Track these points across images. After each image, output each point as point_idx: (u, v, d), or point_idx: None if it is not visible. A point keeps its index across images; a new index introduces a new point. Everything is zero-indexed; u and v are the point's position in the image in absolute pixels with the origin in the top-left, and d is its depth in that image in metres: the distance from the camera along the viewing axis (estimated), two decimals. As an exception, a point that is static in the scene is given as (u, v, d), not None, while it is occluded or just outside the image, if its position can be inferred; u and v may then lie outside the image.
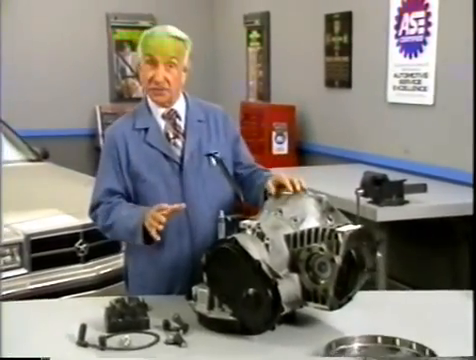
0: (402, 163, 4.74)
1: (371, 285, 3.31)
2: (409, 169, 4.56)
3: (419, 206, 3.75)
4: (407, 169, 4.57)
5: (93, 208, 2.36)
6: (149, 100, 2.38)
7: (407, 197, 3.71)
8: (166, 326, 1.97)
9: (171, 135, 2.36)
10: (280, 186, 2.14)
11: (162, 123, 2.36)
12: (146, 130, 2.34)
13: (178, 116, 2.38)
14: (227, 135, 2.43)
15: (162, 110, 2.37)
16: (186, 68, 2.35)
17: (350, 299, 1.96)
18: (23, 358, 1.78)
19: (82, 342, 1.88)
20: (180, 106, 2.39)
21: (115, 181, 2.32)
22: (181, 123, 2.38)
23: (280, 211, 2.02)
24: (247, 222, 1.99)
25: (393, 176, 3.80)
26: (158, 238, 2.13)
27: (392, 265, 4.02)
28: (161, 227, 2.12)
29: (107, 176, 2.34)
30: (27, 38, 7.22)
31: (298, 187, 2.10)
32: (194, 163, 2.32)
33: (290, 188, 2.10)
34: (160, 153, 2.32)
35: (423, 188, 3.76)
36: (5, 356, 1.76)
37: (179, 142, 2.35)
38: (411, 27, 4.72)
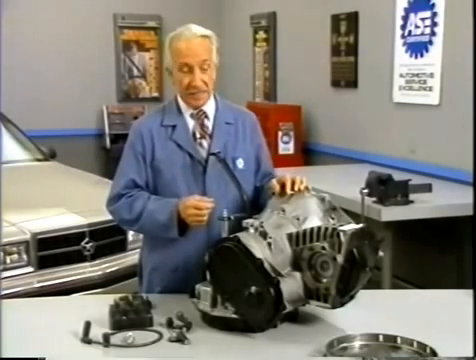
0: (407, 163, 4.73)
1: (376, 285, 3.33)
2: (414, 169, 4.56)
3: (424, 206, 3.75)
4: (412, 169, 4.57)
5: (112, 200, 2.33)
6: (180, 99, 2.37)
7: (412, 197, 3.71)
8: (169, 324, 1.99)
9: (198, 135, 2.34)
10: (284, 185, 2.15)
11: (190, 122, 2.35)
12: (174, 128, 2.33)
13: (207, 117, 2.36)
14: (253, 142, 2.43)
15: (191, 109, 2.35)
16: (216, 64, 2.34)
17: (352, 298, 1.97)
18: (23, 358, 1.79)
19: (86, 339, 1.91)
20: (210, 107, 2.37)
21: (137, 175, 2.31)
22: (209, 124, 2.36)
23: (283, 210, 2.04)
24: (250, 221, 2.01)
25: (398, 176, 3.80)
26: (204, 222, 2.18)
27: (397, 265, 4.02)
28: (206, 219, 2.15)
29: (129, 169, 2.32)
30: (34, 38, 7.26)
31: (298, 187, 2.12)
32: (218, 165, 2.29)
33: (288, 187, 2.11)
34: (185, 152, 2.31)
35: (428, 188, 3.76)
36: (8, 354, 1.77)
37: (205, 143, 2.34)
38: (417, 27, 4.72)
